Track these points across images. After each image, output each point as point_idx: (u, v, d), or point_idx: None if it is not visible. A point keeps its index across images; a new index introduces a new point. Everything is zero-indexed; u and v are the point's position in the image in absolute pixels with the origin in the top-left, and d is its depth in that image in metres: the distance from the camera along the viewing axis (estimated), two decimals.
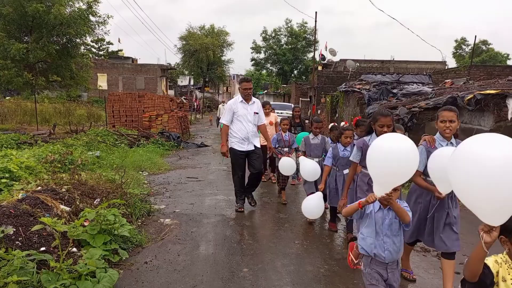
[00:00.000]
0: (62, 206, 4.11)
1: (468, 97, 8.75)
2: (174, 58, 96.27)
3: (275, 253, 4.25)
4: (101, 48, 47.41)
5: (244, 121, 5.66)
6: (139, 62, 45.61)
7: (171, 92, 45.59)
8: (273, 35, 49.40)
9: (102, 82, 34.55)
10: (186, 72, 47.96)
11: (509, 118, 8.09)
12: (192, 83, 50.14)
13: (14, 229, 3.30)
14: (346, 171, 4.55)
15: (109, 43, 48.30)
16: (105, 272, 3.29)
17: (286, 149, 6.65)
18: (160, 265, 3.82)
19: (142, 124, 16.00)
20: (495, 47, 47.88)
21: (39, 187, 4.58)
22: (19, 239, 3.31)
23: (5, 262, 2.83)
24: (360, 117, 4.53)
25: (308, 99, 25.47)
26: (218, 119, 17.96)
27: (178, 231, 4.81)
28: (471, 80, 14.91)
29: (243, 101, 5.73)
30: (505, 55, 47.51)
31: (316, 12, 22.46)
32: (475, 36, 38.90)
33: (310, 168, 5.19)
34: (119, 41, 61.47)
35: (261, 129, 6.00)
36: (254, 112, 5.76)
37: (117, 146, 11.47)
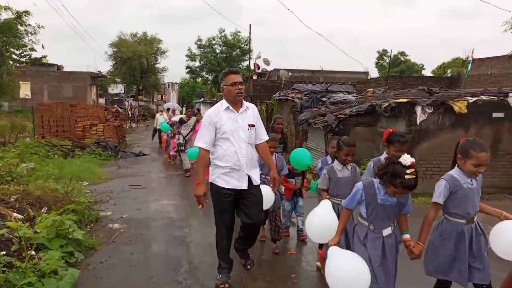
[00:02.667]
0: (15, 214, 4.23)
1: (385, 105, 9.95)
2: (104, 66, 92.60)
3: None
4: (22, 54, 44.47)
5: (234, 140, 3.47)
6: (66, 69, 43.40)
7: (101, 101, 43.95)
8: (207, 44, 49.89)
9: (26, 90, 32.48)
10: (118, 80, 46.62)
11: (418, 123, 9.37)
12: (124, 91, 48.81)
13: None
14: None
15: (32, 49, 45.46)
16: (66, 271, 3.55)
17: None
18: (115, 263, 4.12)
19: (75, 134, 15.54)
20: (411, 58, 52.87)
21: None
22: None
23: None
24: (394, 129, 3.41)
25: None
26: (155, 130, 16.84)
27: (128, 234, 5.10)
28: (389, 89, 16.61)
29: (230, 107, 3.50)
30: (421, 66, 52.63)
31: (250, 25, 23.40)
32: (391, 50, 42.95)
33: (323, 224, 3.20)
34: (42, 47, 57.92)
35: (260, 150, 3.71)
36: (249, 125, 3.55)
37: (50, 157, 11.16)
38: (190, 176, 9.23)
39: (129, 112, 30.21)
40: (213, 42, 49.75)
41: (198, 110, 17.99)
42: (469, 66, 14.11)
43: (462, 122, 9.22)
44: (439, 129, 9.18)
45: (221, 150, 3.51)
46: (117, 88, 50.60)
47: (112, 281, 3.70)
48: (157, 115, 16.65)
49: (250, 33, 23.96)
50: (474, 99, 9.45)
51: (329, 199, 3.56)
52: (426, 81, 18.79)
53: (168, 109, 17.51)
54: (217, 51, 49.96)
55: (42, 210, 4.96)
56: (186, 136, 9.61)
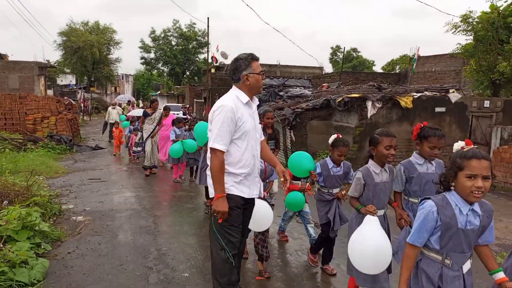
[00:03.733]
0: None
1: (339, 100, 10.51)
2: (53, 55, 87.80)
3: (189, 234, 4.95)
4: None
5: (252, 142, 2.92)
6: (11, 59, 40.91)
7: (50, 92, 41.89)
8: (162, 35, 48.95)
9: None
10: (68, 71, 44.63)
11: (368, 117, 10.00)
12: (74, 82, 46.81)
13: None
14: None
15: None
16: (36, 261, 3.63)
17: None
18: (84, 253, 4.21)
19: (26, 128, 14.89)
20: (363, 55, 54.97)
21: None
22: None
23: None
24: (426, 123, 3.01)
25: (203, 100, 26.26)
26: (106, 123, 16.03)
27: (93, 226, 5.16)
28: (342, 84, 17.38)
29: (250, 101, 2.94)
30: (372, 62, 54.85)
31: (208, 18, 23.32)
32: (344, 47, 44.36)
33: (379, 251, 2.66)
34: None
35: (261, 149, 3.11)
36: (260, 123, 3.15)
37: (0, 152, 10.70)
38: (154, 174, 9.03)
39: (82, 105, 29.12)
40: (168, 34, 48.92)
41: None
42: (415, 64, 15.09)
43: (408, 116, 9.97)
44: (387, 123, 9.87)
45: (237, 154, 2.81)
46: (67, 79, 48.41)
47: (83, 269, 3.80)
48: (110, 108, 15.87)
49: (208, 26, 23.91)
50: (418, 94, 10.24)
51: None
52: (376, 77, 19.80)
53: (128, 102, 17.13)
54: (173, 43, 49.20)
55: (3, 204, 4.90)
56: (152, 132, 8.79)
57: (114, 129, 12.92)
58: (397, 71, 33.28)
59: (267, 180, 4.10)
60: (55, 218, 5.37)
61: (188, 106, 20.01)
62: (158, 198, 6.92)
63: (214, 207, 2.71)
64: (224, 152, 2.73)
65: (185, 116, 13.98)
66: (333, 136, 3.76)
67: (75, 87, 43.66)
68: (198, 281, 3.63)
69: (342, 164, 3.80)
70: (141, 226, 5.20)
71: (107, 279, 3.60)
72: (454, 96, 10.42)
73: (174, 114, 14.72)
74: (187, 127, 8.25)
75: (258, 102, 3.06)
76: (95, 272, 3.74)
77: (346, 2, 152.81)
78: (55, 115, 15.56)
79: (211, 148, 2.74)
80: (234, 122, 2.74)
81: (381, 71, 42.58)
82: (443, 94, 10.52)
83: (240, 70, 2.85)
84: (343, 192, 3.77)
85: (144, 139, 8.92)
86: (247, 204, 2.94)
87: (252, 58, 2.88)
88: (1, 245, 3.74)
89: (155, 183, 8.24)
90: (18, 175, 7.13)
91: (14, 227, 3.95)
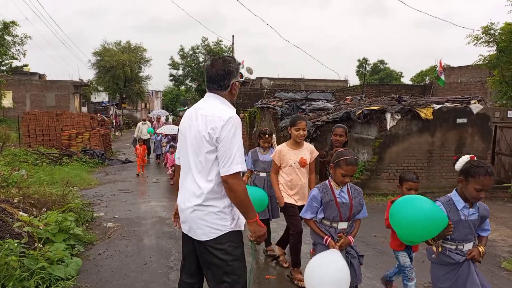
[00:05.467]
0: (21, 213, 4.71)
1: (358, 112, 10.70)
2: (87, 74, 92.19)
3: None
4: (2, 63, 44.19)
5: None
6: (48, 78, 43.27)
7: (84, 109, 43.96)
8: (190, 52, 50.49)
9: (7, 100, 32.31)
10: (101, 89, 46.70)
11: (388, 128, 10.13)
12: (107, 99, 48.86)
13: None
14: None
15: (13, 57, 45.22)
16: (71, 259, 4.07)
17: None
18: (112, 254, 4.64)
19: (61, 143, 15.84)
20: (391, 66, 54.55)
21: None
22: None
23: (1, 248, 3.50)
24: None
25: None
26: (135, 139, 14.26)
27: (121, 231, 5.61)
28: (366, 97, 17.49)
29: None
30: (399, 73, 54.34)
31: (233, 36, 24.12)
32: (366, 60, 44.16)
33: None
34: (23, 56, 57.57)
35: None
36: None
37: (38, 165, 11.51)
38: None
39: (113, 121, 30.40)
40: (197, 51, 50.41)
41: (179, 116, 17.96)
42: (442, 76, 14.99)
43: (428, 127, 10.02)
44: (407, 134, 9.96)
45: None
46: (100, 97, 50.60)
47: (111, 267, 4.22)
48: (139, 123, 15.31)
49: (233, 43, 24.71)
50: (439, 106, 10.29)
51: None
52: (400, 89, 19.77)
53: (153, 119, 17.05)
54: (200, 59, 50.62)
55: (42, 210, 5.42)
56: None
57: (138, 146, 12.00)
58: (427, 82, 32.93)
59: (353, 219, 2.92)
60: (87, 224, 5.85)
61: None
62: None
63: (256, 233, 2.35)
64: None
65: None
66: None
67: (107, 104, 45.59)
68: None
69: (477, 204, 2.57)
70: (164, 232, 5.60)
71: (132, 276, 3.99)
72: (475, 107, 10.39)
73: None
74: None
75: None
76: (122, 270, 4.14)
77: (369, 15, 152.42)
78: (88, 131, 16.48)
79: (232, 174, 2.21)
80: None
81: (410, 82, 42.15)
82: (465, 105, 10.52)
83: (232, 76, 2.43)
84: (480, 249, 2.53)
85: None
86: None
87: (239, 63, 2.59)
88: (41, 245, 4.21)
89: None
90: (55, 186, 7.75)
91: (52, 230, 4.43)
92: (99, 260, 4.45)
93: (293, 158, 3.96)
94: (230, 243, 2.34)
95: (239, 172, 2.23)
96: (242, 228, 2.45)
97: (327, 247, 2.76)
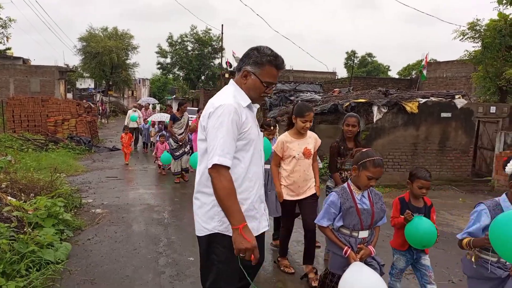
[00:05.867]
0: (9, 198, 4.71)
1: (346, 104, 10.84)
2: (73, 60, 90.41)
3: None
4: None
5: (257, 153, 2.29)
6: (33, 63, 42.38)
7: (69, 96, 43.26)
8: (179, 40, 49.96)
9: None
10: (87, 75, 45.99)
11: (374, 121, 10.31)
12: (93, 86, 48.18)
13: None
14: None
15: None
16: (61, 244, 4.11)
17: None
18: (102, 240, 4.69)
19: (47, 129, 15.64)
20: (378, 60, 54.94)
21: None
22: None
23: None
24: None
25: None
26: (126, 127, 12.27)
27: (110, 217, 5.65)
28: (353, 89, 17.67)
29: (250, 105, 2.29)
30: (387, 67, 54.79)
31: (222, 25, 23.95)
32: (354, 53, 44.41)
33: None
34: (6, 40, 56.14)
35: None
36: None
37: (24, 151, 11.38)
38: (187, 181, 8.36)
39: (100, 108, 30.04)
40: (185, 39, 49.90)
41: (170, 106, 17.50)
42: (424, 71, 15.25)
43: (413, 121, 10.23)
44: (393, 127, 10.16)
45: (240, 172, 2.14)
46: (86, 83, 49.86)
47: (101, 252, 4.27)
48: (130, 111, 14.58)
49: (222, 33, 24.56)
50: (424, 100, 10.50)
51: None
52: (387, 83, 20.03)
53: (147, 106, 15.90)
54: (189, 48, 50.15)
55: (31, 196, 5.42)
56: (180, 135, 8.13)
57: (123, 134, 11.28)
58: (413, 76, 33.37)
59: (373, 227, 2.67)
60: (76, 210, 5.87)
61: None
62: (170, 195, 7.39)
63: (236, 245, 1.92)
64: (229, 169, 2.02)
65: None
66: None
67: (93, 90, 44.93)
68: None
69: None
70: (153, 219, 5.66)
71: (122, 261, 4.06)
72: (459, 102, 10.63)
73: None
74: None
75: (258, 106, 2.36)
76: (112, 255, 4.21)
77: (359, 8, 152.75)
78: (75, 118, 16.29)
79: (213, 166, 1.98)
80: (238, 127, 2.07)
81: (397, 76, 42.59)
82: (449, 99, 10.75)
83: (247, 61, 2.18)
84: None
85: (173, 146, 8.20)
86: (258, 236, 2.16)
87: (269, 60, 2.16)
88: (30, 230, 4.24)
89: (168, 181, 8.71)
90: (42, 172, 7.71)
91: (41, 215, 4.45)
92: (88, 245, 4.50)
93: (297, 149, 3.67)
94: (217, 245, 2.11)
95: (223, 166, 1.97)
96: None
97: (346, 258, 2.50)
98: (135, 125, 13.79)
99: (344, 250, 2.52)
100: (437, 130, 10.23)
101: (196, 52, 49.43)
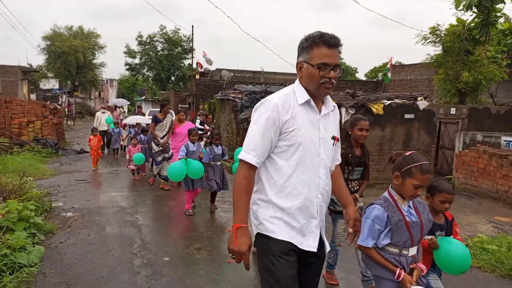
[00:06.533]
0: None
1: None
2: (37, 60, 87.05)
3: (170, 228, 5.45)
4: None
5: (308, 159, 2.01)
6: None
7: (33, 97, 41.77)
8: (148, 40, 49.28)
9: None
10: (51, 75, 44.56)
11: (342, 122, 10.65)
12: (57, 87, 46.69)
13: None
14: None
15: None
16: (33, 247, 4.09)
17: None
18: (74, 243, 4.68)
19: (11, 131, 15.10)
20: (346, 61, 56.24)
21: None
22: None
23: None
24: None
25: (187, 105, 26.72)
26: (94, 128, 11.16)
27: (82, 220, 5.61)
28: None
29: (312, 102, 2.03)
30: (355, 68, 56.19)
31: (192, 26, 23.89)
32: None
33: None
34: None
35: (334, 179, 2.27)
36: (334, 138, 2.16)
37: None
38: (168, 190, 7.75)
39: (66, 110, 29.20)
40: (154, 39, 49.27)
41: (140, 107, 16.96)
42: (389, 74, 15.83)
43: (379, 122, 10.65)
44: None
45: (280, 175, 1.97)
46: (50, 84, 48.25)
47: (75, 255, 4.27)
48: (98, 113, 13.81)
49: (192, 34, 24.51)
50: (389, 102, 10.95)
51: None
52: (355, 85, 20.61)
53: (116, 107, 15.95)
54: (158, 48, 49.55)
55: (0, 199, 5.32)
56: (162, 138, 7.66)
57: (91, 136, 10.46)
58: (379, 78, 34.41)
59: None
60: (46, 214, 5.79)
61: (206, 113, 14.41)
62: (142, 197, 7.38)
63: (229, 245, 1.88)
64: (254, 167, 1.94)
65: (202, 127, 10.90)
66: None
67: (58, 91, 43.55)
68: (177, 263, 4.16)
69: None
70: (126, 221, 5.67)
71: (97, 263, 4.08)
72: (422, 104, 11.16)
73: None
74: (203, 141, 6.86)
75: (333, 107, 2.13)
76: (86, 257, 4.22)
77: (324, 11, 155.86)
78: (40, 120, 15.82)
79: (239, 160, 1.99)
80: (277, 126, 1.93)
81: (364, 78, 43.79)
82: (412, 101, 11.26)
83: (298, 53, 2.05)
84: None
85: (156, 151, 7.70)
86: (304, 258, 2.01)
87: (313, 41, 1.96)
88: (1, 234, 4.18)
89: (139, 183, 8.67)
90: (9, 175, 7.51)
91: (12, 218, 4.39)
92: (61, 248, 4.48)
93: None
94: (258, 246, 2.03)
95: (244, 162, 1.94)
96: (272, 234, 1.95)
97: (397, 283, 2.16)
98: (105, 128, 13.21)
99: (397, 274, 2.15)
100: (401, 131, 10.69)
101: (166, 52, 48.91)
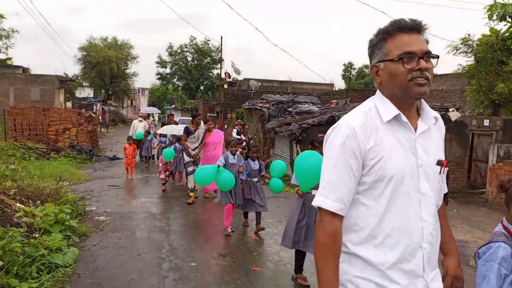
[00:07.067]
0: (18, 204, 4.91)
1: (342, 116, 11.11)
2: (73, 69, 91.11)
3: (197, 234, 5.58)
4: None
5: (406, 199, 1.43)
6: (33, 72, 42.72)
7: (68, 105, 43.56)
8: (178, 51, 50.50)
9: None
10: (86, 84, 46.38)
11: None
12: (92, 95, 48.51)
13: None
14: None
15: None
16: (68, 249, 4.30)
17: None
18: (107, 245, 4.88)
19: (48, 138, 15.83)
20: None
21: None
22: None
23: (4, 235, 3.71)
24: None
25: (215, 114, 27.16)
26: (130, 137, 11.84)
27: (114, 224, 5.84)
28: (351, 101, 17.95)
29: (402, 116, 1.46)
30: None
31: (221, 37, 24.35)
32: (351, 65, 45.01)
33: None
34: (6, 49, 56.62)
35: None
36: (440, 163, 1.51)
37: (26, 160, 11.56)
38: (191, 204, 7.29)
39: (100, 117, 30.27)
40: (185, 49, 50.45)
41: (172, 115, 17.18)
42: None
43: None
44: None
45: (369, 221, 1.47)
46: (85, 92, 50.22)
47: (106, 257, 4.46)
48: (135, 121, 13.71)
49: (221, 45, 24.95)
50: None
51: None
52: None
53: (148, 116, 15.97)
54: (188, 58, 50.67)
55: (37, 203, 5.61)
56: (193, 150, 7.41)
57: (127, 145, 10.40)
58: None
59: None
60: (80, 217, 6.06)
61: (243, 123, 13.17)
62: (171, 203, 7.57)
63: None
64: (339, 216, 1.45)
65: (238, 137, 10.29)
66: None
67: (93, 100, 45.22)
68: (203, 269, 4.27)
69: None
70: (155, 226, 5.85)
71: (127, 265, 4.25)
72: (454, 115, 10.91)
73: None
74: (243, 152, 6.39)
75: (434, 120, 1.56)
76: (117, 260, 4.40)
77: (354, 20, 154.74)
78: (76, 127, 16.51)
79: (318, 209, 1.50)
80: (359, 157, 1.45)
81: None
82: (443, 112, 11.03)
83: (371, 57, 1.57)
84: None
85: (188, 161, 7.50)
86: None
87: (388, 32, 1.48)
88: (39, 236, 4.43)
89: (168, 191, 8.88)
90: (46, 180, 7.90)
91: (49, 221, 4.64)
92: (94, 250, 4.68)
93: None
94: None
95: (324, 210, 1.45)
96: None
97: None
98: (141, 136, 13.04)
99: None
100: None
101: (196, 62, 49.95)
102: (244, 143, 8.92)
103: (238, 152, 5.85)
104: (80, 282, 3.81)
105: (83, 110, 28.61)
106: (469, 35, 12.06)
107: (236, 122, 13.25)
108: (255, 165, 5.58)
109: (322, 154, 3.39)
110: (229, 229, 5.54)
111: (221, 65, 26.30)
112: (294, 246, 3.92)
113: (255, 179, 5.58)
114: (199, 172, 5.48)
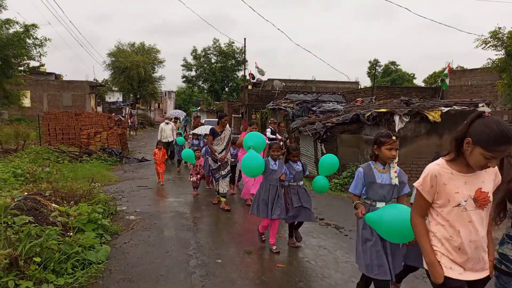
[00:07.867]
0: (53, 205, 5.18)
1: (367, 114, 11.01)
2: (103, 75, 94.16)
3: (222, 232, 5.71)
4: (20, 63, 45.34)
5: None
6: (64, 78, 44.37)
7: (99, 109, 44.98)
8: (203, 54, 51.19)
9: (25, 99, 33.31)
10: (116, 89, 47.72)
11: (396, 130, 10.41)
12: (121, 99, 49.89)
13: (31, 218, 4.39)
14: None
15: (30, 58, 46.33)
16: (101, 246, 4.52)
17: None
18: (136, 243, 5.08)
19: (81, 141, 16.45)
20: (402, 68, 54.33)
21: (25, 193, 5.57)
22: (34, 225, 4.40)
23: (42, 233, 3.96)
24: None
25: (240, 115, 27.39)
26: (159, 141, 10.47)
27: (143, 223, 6.05)
28: (376, 99, 17.72)
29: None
30: (412, 75, 54.06)
31: (245, 39, 24.57)
32: (376, 62, 44.19)
33: None
34: (40, 57, 58.97)
35: None
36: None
37: (60, 163, 12.07)
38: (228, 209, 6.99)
39: (129, 121, 31.09)
40: (208, 52, 51.08)
41: (199, 117, 17.39)
42: (447, 80, 15.15)
43: (436, 129, 10.26)
44: (415, 136, 10.23)
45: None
46: (114, 97, 51.69)
47: (137, 254, 4.65)
48: (162, 124, 13.38)
49: (244, 46, 25.19)
50: (447, 109, 10.53)
51: None
52: (411, 91, 19.92)
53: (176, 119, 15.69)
54: (212, 60, 51.27)
55: (71, 203, 5.90)
56: (220, 153, 7.06)
57: (156, 150, 9.93)
58: (438, 84, 32.95)
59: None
60: (112, 216, 6.31)
61: (278, 121, 12.64)
62: (198, 203, 7.76)
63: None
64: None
65: (273, 136, 9.98)
66: None
67: (122, 104, 46.50)
68: (229, 266, 4.38)
69: None
70: (183, 225, 6.03)
71: (156, 262, 4.42)
72: (483, 110, 10.60)
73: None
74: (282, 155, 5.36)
75: None
76: (146, 257, 4.58)
77: (377, 18, 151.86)
78: (106, 130, 17.09)
79: None
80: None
81: (422, 84, 42.04)
82: (473, 108, 10.73)
83: None
84: None
85: (213, 167, 7.21)
86: None
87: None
88: (74, 234, 4.67)
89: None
90: (78, 181, 8.26)
91: (83, 220, 4.88)
92: (125, 248, 4.89)
93: (464, 191, 2.17)
94: None
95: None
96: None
97: None
98: (170, 139, 12.93)
99: None
100: None
101: (220, 64, 50.50)
102: (282, 143, 8.44)
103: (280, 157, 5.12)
104: (112, 277, 4.00)
105: (113, 114, 29.51)
106: (499, 28, 11.71)
107: (270, 121, 12.31)
108: (298, 166, 4.97)
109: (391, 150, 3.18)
110: (264, 236, 5.12)
111: (244, 66, 26.50)
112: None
113: (301, 183, 4.98)
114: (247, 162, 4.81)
